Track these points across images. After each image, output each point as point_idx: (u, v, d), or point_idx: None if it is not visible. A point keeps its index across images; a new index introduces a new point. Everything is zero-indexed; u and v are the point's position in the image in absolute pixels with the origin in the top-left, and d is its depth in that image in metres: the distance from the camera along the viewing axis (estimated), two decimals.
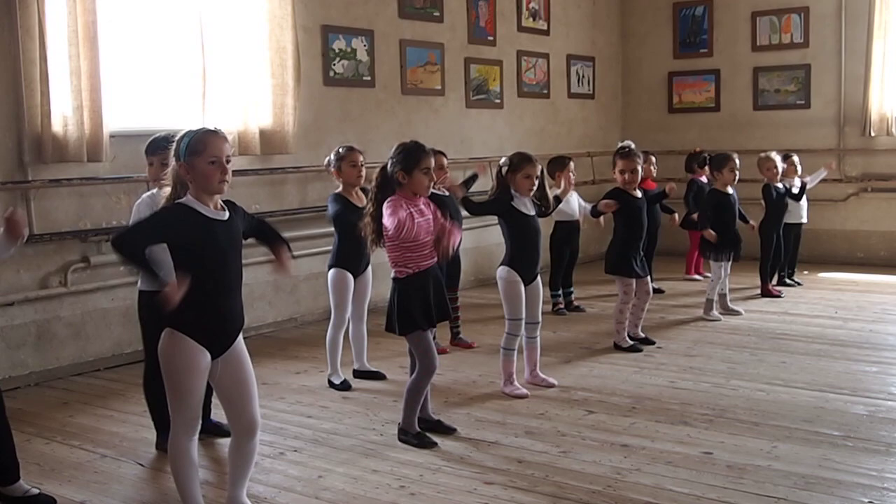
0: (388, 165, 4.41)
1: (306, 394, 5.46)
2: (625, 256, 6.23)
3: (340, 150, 5.47)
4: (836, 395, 5.15)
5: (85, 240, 6.04)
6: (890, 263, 9.83)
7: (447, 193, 6.19)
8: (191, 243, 3.24)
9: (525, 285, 5.26)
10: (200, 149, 3.23)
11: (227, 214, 3.33)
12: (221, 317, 3.32)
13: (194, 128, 3.34)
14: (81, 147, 5.85)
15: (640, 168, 6.31)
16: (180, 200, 3.27)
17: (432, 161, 4.47)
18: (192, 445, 3.39)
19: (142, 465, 4.30)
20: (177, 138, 3.31)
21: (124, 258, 3.25)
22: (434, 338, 4.80)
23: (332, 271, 5.54)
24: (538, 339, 5.49)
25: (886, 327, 6.92)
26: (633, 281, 6.26)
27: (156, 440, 4.54)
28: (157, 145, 4.27)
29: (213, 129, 3.34)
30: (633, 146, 6.37)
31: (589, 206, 7.32)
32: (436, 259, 4.48)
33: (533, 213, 5.26)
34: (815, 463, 4.10)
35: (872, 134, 9.98)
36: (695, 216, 8.18)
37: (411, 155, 4.37)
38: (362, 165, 5.44)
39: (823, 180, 9.16)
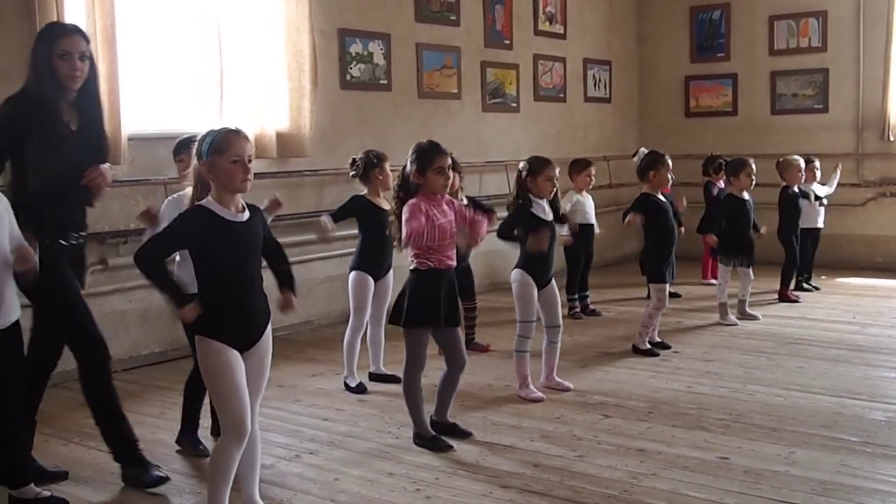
0: (406, 168, 4.43)
1: (322, 396, 5.47)
2: (660, 262, 6.23)
3: (374, 158, 5.48)
4: (854, 401, 5.12)
5: (102, 242, 6.05)
6: None
7: (464, 202, 6.19)
8: (210, 246, 3.27)
9: (539, 289, 5.26)
10: (223, 148, 3.26)
11: (246, 215, 3.35)
12: (245, 315, 3.35)
13: (216, 127, 3.37)
14: None
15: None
16: (200, 203, 3.31)
17: (448, 160, 4.48)
18: (238, 454, 3.38)
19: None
20: (199, 138, 3.35)
21: (144, 274, 3.29)
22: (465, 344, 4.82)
23: (353, 274, 5.55)
24: (559, 344, 5.47)
25: None
26: (667, 286, 6.25)
27: (176, 436, 4.58)
28: (185, 143, 4.32)
29: (234, 128, 3.38)
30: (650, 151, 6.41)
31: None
32: (455, 263, 4.49)
33: (550, 217, 5.26)
34: (833, 469, 4.07)
35: (891, 138, 9.93)
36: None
37: (424, 155, 4.40)
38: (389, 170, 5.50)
39: (840, 184, 9.10)
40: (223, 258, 3.28)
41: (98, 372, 4.10)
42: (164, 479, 4.05)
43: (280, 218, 6.10)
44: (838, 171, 9.01)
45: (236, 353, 3.32)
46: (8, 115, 3.91)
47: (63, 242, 3.97)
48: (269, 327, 3.46)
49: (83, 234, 4.14)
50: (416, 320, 4.43)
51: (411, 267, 4.47)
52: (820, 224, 8.68)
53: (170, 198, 4.48)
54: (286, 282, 3.60)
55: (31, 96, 3.90)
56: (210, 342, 3.30)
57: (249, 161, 3.31)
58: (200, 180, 3.33)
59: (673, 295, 8.39)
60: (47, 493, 3.87)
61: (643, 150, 6.47)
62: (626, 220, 6.26)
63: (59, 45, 3.90)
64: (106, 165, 4.04)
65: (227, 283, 3.30)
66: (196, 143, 3.35)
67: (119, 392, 5.67)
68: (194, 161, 3.35)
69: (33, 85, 3.91)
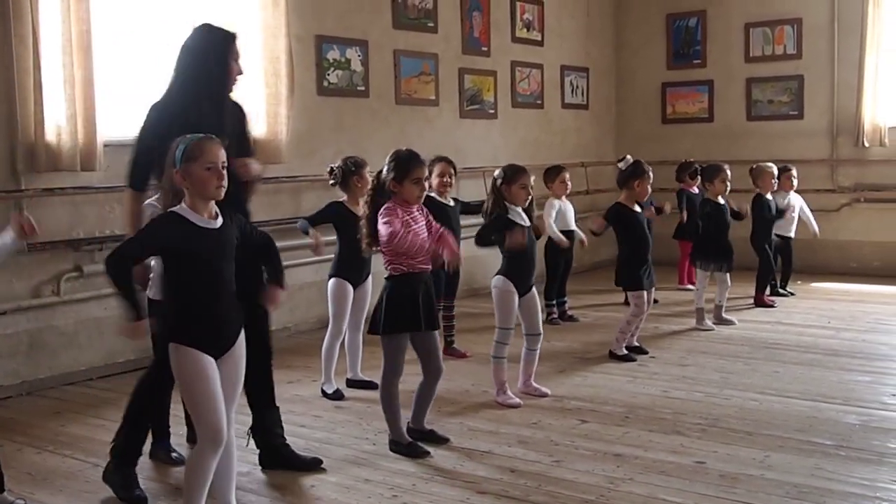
0: (382, 172, 4.42)
1: (299, 403, 5.45)
2: (635, 270, 6.25)
3: (352, 165, 5.47)
4: (828, 405, 5.15)
5: (78, 249, 6.03)
6: (882, 273, 9.84)
7: (451, 203, 6.20)
8: (181, 252, 3.26)
9: (520, 296, 5.26)
10: (196, 155, 3.25)
11: (219, 222, 3.34)
12: (217, 322, 3.34)
13: (189, 135, 3.36)
14: (75, 156, 5.84)
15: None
16: (173, 209, 3.29)
17: (425, 171, 4.48)
18: (214, 462, 3.37)
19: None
20: (171, 145, 3.33)
21: (109, 275, 3.26)
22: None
23: (332, 281, 5.53)
24: (538, 351, 5.47)
25: (879, 337, 6.94)
26: (646, 293, 6.27)
27: (150, 448, 4.51)
28: None
29: (208, 135, 3.36)
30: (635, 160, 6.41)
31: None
32: (430, 267, 4.48)
33: (528, 224, 5.27)
34: (808, 472, 4.10)
35: (865, 144, 10.02)
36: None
37: (402, 165, 4.36)
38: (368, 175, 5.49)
39: (815, 190, 9.18)
40: (194, 264, 3.27)
41: (154, 381, 4.10)
42: (142, 501, 3.97)
43: (258, 224, 6.09)
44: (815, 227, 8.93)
45: (211, 361, 3.31)
46: (153, 121, 3.98)
47: None
48: (242, 334, 3.45)
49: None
50: (393, 326, 4.41)
51: (386, 275, 4.46)
52: (790, 234, 8.69)
53: (147, 202, 4.44)
54: (273, 274, 3.68)
55: (188, 96, 3.91)
56: (185, 350, 3.28)
57: (223, 167, 3.31)
58: (173, 188, 3.31)
59: None
60: (21, 502, 3.83)
61: (629, 158, 6.46)
62: (592, 228, 6.42)
63: (234, 48, 4.07)
64: (251, 159, 3.99)
65: (200, 289, 3.29)
66: (169, 151, 3.33)
67: (95, 400, 5.69)
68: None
69: (203, 80, 3.96)
